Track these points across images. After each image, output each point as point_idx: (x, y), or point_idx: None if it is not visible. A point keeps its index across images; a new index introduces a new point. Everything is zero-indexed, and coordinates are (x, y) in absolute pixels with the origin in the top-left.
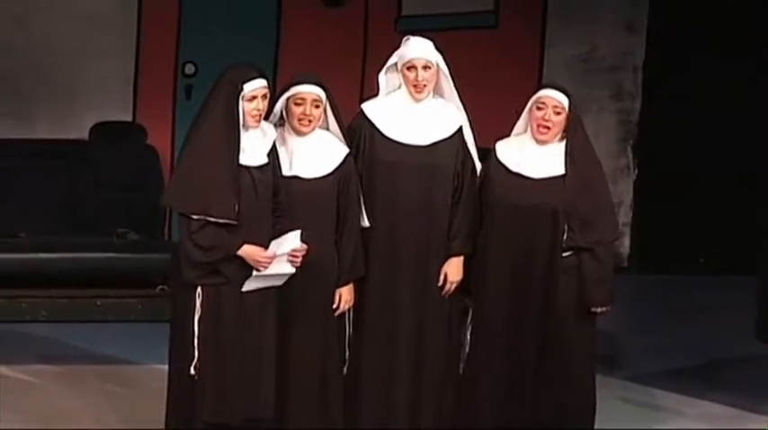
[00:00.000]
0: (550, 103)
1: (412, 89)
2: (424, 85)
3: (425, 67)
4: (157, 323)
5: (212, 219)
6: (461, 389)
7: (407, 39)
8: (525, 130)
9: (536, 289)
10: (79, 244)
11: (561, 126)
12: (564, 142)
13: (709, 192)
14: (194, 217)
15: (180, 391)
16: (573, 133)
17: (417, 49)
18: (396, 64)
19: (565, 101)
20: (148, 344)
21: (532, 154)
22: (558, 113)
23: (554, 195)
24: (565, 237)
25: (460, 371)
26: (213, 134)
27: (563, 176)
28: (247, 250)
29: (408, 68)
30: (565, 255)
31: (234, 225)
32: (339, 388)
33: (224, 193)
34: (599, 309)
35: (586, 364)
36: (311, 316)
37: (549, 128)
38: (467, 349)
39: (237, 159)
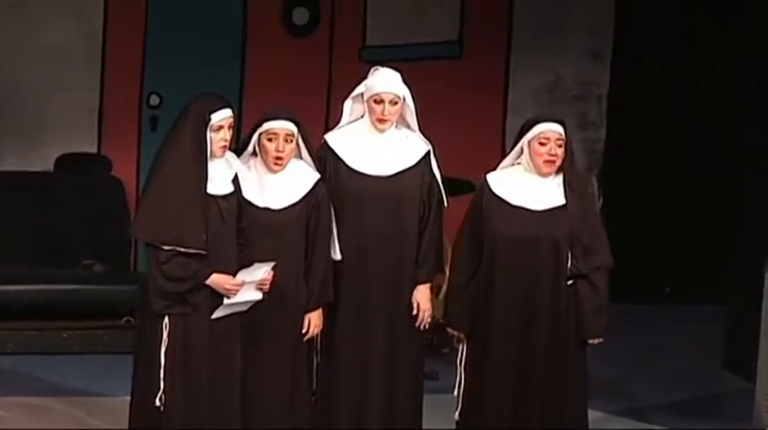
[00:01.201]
0: (553, 136)
1: (376, 122)
2: (388, 119)
3: (392, 102)
4: (123, 355)
5: (183, 250)
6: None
7: (376, 69)
8: (514, 163)
9: (542, 320)
10: (45, 275)
11: (563, 157)
12: (558, 172)
13: (674, 221)
14: (165, 248)
15: (144, 423)
16: (568, 164)
17: (386, 82)
18: (362, 93)
19: (563, 132)
20: (114, 375)
21: (533, 187)
22: (561, 146)
23: (556, 226)
24: (569, 264)
25: (456, 415)
26: (181, 164)
27: (563, 206)
28: (216, 279)
29: (375, 101)
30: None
31: (203, 254)
32: (307, 415)
33: (194, 224)
34: (595, 341)
35: (582, 394)
36: (280, 344)
37: (554, 162)
38: (461, 388)
39: (206, 189)
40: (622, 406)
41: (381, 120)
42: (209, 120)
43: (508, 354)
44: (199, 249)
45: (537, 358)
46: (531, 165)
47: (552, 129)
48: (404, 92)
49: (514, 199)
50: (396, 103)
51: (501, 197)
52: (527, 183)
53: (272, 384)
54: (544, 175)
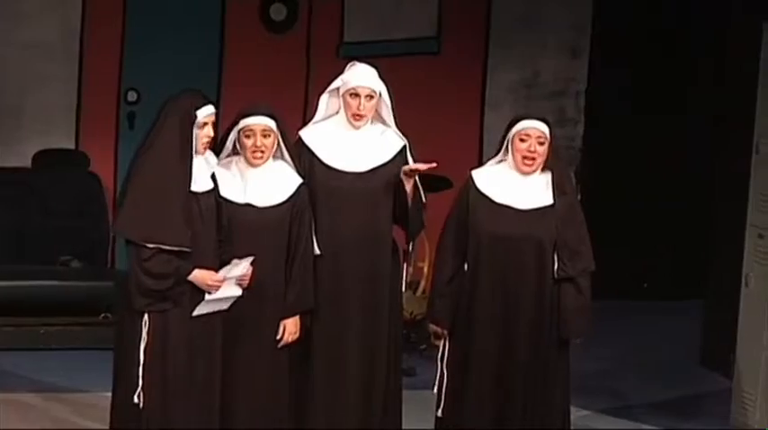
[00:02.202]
0: (534, 134)
1: (351, 117)
2: (364, 115)
3: (368, 96)
4: (101, 350)
5: (167, 248)
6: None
7: (353, 64)
8: (501, 161)
9: (525, 319)
10: (22, 272)
11: (545, 156)
12: (545, 171)
13: (652, 217)
14: (149, 245)
15: (123, 420)
16: (556, 162)
17: (362, 77)
18: (338, 88)
19: (547, 130)
20: (92, 371)
21: (517, 185)
22: (542, 144)
23: (541, 226)
24: (556, 267)
25: (438, 412)
26: (165, 161)
27: (550, 206)
28: (198, 275)
29: (351, 95)
30: None
31: (185, 251)
32: (287, 415)
33: (178, 221)
34: (578, 340)
35: (564, 393)
36: (259, 345)
37: (534, 159)
38: (442, 385)
39: (190, 186)
40: (601, 402)
41: (357, 116)
42: (195, 117)
43: (490, 352)
44: (183, 247)
45: (518, 356)
46: (513, 162)
47: (534, 126)
48: (380, 87)
49: (499, 197)
50: (372, 97)
51: (486, 195)
52: (512, 181)
53: (251, 385)
54: (523, 173)
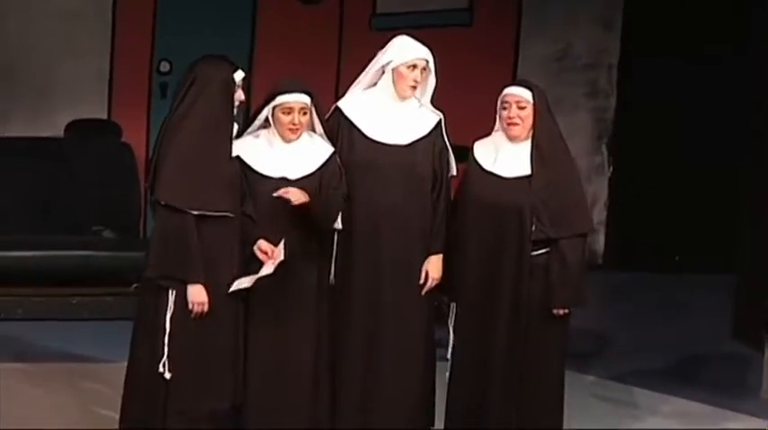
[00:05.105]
0: (512, 99)
1: (408, 88)
2: (418, 85)
3: (424, 69)
4: (132, 321)
5: (210, 214)
6: (448, 391)
7: (401, 37)
8: (497, 130)
9: (507, 287)
10: (54, 242)
11: (530, 120)
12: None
13: (684, 190)
14: (194, 212)
15: (141, 389)
16: (539, 129)
17: (419, 49)
18: (384, 64)
19: (526, 94)
20: (123, 342)
21: (505, 153)
22: (523, 108)
23: (521, 194)
24: (534, 228)
25: (447, 375)
26: (207, 129)
27: (530, 176)
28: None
29: (409, 68)
30: (537, 253)
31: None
32: (325, 387)
33: (222, 188)
34: (561, 311)
35: (555, 365)
36: (288, 314)
37: (516, 124)
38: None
39: (231, 153)
40: (632, 374)
41: (413, 87)
42: (235, 84)
43: (475, 318)
44: (227, 212)
45: (499, 323)
46: (502, 131)
47: (511, 92)
48: (430, 58)
49: (488, 164)
50: (425, 69)
51: (478, 162)
52: (502, 149)
53: (274, 359)
54: (511, 139)
